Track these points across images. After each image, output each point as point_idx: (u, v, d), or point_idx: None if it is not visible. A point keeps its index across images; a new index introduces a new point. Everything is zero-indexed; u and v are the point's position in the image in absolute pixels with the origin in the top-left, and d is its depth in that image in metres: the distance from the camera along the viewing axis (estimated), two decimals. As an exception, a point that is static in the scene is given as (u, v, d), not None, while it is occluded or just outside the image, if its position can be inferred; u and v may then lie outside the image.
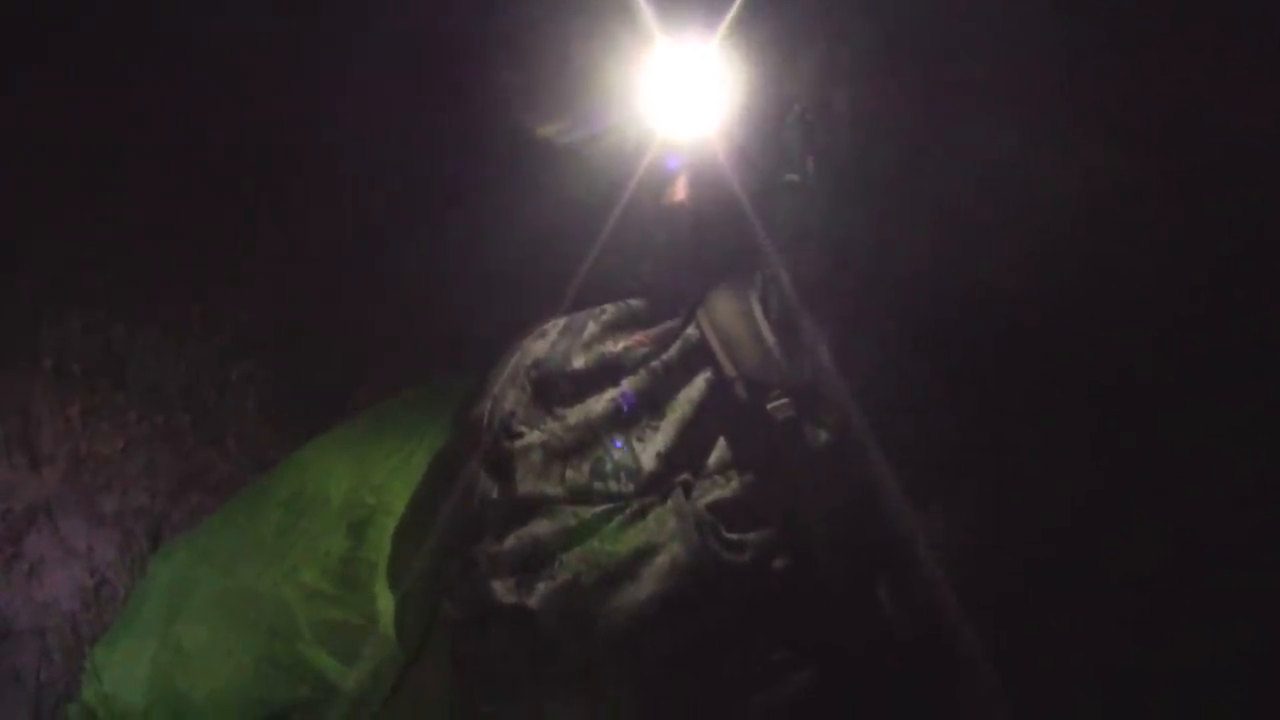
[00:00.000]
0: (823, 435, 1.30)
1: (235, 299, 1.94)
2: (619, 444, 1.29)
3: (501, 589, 1.24)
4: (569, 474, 1.28)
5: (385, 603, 1.45)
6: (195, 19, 1.91)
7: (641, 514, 1.25)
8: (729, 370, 1.30)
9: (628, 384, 1.32)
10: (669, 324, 1.37)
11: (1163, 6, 1.39)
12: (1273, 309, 1.35)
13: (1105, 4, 1.40)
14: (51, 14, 1.96)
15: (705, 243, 1.41)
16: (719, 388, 1.30)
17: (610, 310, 1.39)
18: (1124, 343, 1.39)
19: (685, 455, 1.28)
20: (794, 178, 1.38)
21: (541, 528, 1.26)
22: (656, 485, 1.26)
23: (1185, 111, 1.37)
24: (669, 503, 1.25)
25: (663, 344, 1.35)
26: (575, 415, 1.31)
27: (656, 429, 1.29)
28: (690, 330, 1.34)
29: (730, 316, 1.33)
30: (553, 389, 1.34)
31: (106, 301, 1.91)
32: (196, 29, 1.92)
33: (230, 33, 1.91)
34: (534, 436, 1.31)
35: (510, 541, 1.27)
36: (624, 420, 1.30)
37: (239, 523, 1.61)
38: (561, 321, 1.41)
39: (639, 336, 1.36)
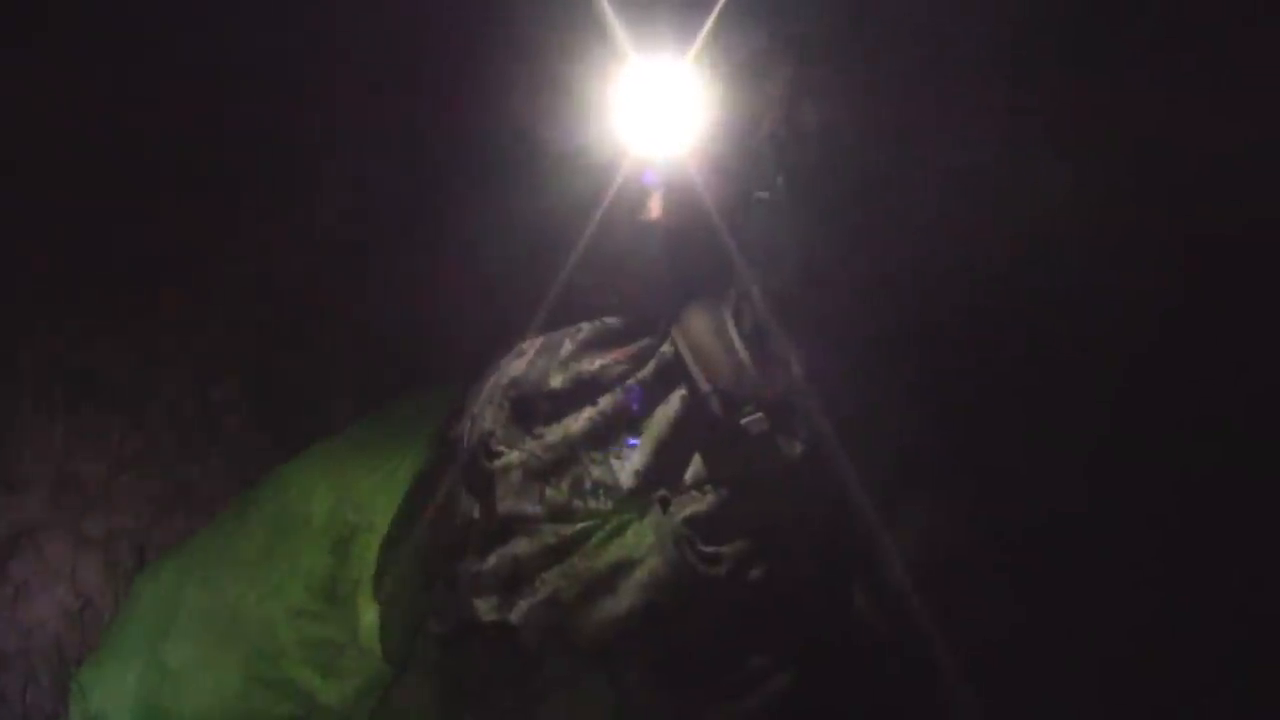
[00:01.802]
0: (796, 447, 1.32)
1: (214, 321, 1.94)
2: (598, 462, 1.31)
3: (484, 607, 1.26)
4: (549, 492, 1.30)
5: (369, 619, 1.45)
6: (191, 22, 1.90)
7: (620, 530, 1.27)
8: (703, 385, 1.32)
9: (605, 402, 1.34)
10: (645, 341, 1.39)
11: (1131, 22, 1.41)
12: (1250, 315, 1.37)
13: (1075, 21, 1.42)
14: (41, 16, 1.95)
15: (679, 259, 1.43)
16: (694, 404, 1.33)
17: (587, 328, 1.41)
18: (1096, 349, 1.41)
19: (662, 472, 1.31)
20: (764, 194, 1.40)
21: (522, 546, 1.28)
22: (635, 502, 1.29)
23: (1154, 125, 1.39)
24: (647, 518, 1.28)
25: (639, 362, 1.37)
26: (554, 434, 1.33)
27: (634, 446, 1.32)
28: (665, 348, 1.36)
29: (704, 333, 1.35)
30: (531, 408, 1.36)
31: (87, 323, 1.91)
32: (193, 33, 1.91)
33: (225, 38, 1.90)
34: (513, 456, 1.32)
35: (491, 560, 1.28)
36: (602, 438, 1.32)
37: (223, 542, 1.61)
38: (539, 340, 1.43)
39: (616, 354, 1.38)
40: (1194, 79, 1.38)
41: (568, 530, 1.28)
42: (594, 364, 1.37)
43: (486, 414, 1.37)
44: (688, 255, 1.41)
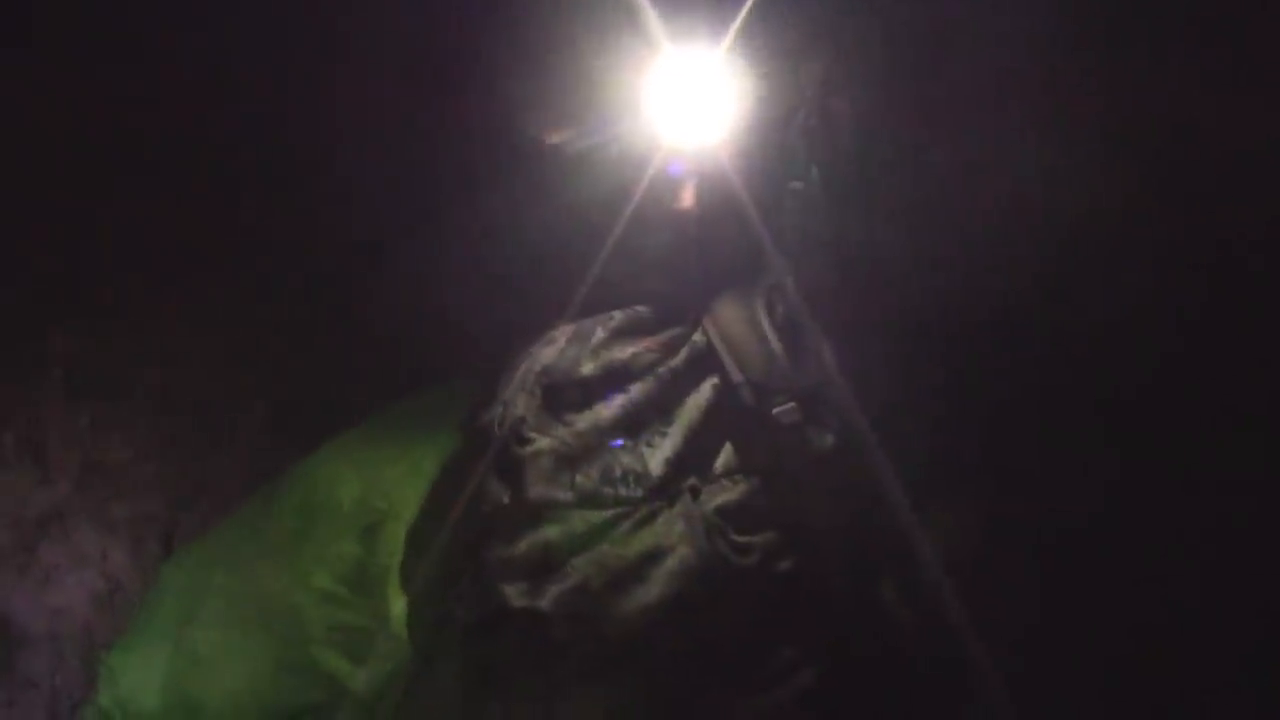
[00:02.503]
0: (828, 439, 1.32)
1: (239, 307, 1.95)
2: (628, 450, 1.31)
3: (513, 593, 1.26)
4: (579, 479, 1.30)
5: (398, 606, 1.46)
6: (191, 20, 1.90)
7: (650, 518, 1.27)
8: (735, 375, 1.32)
9: (636, 390, 1.34)
10: (676, 330, 1.38)
11: (1163, 11, 1.40)
12: (1273, 314, 1.36)
13: (1105, 9, 1.42)
14: (40, 16, 1.95)
15: (711, 249, 1.42)
16: (726, 393, 1.32)
17: (618, 317, 1.41)
18: (1128, 346, 1.41)
19: (693, 460, 1.30)
20: (798, 184, 1.40)
21: (552, 532, 1.28)
22: (665, 490, 1.29)
23: (1187, 115, 1.38)
24: (677, 506, 1.28)
25: (670, 350, 1.37)
26: (584, 421, 1.33)
27: (665, 435, 1.31)
28: (697, 336, 1.36)
29: (736, 323, 1.35)
30: (562, 395, 1.36)
31: (113, 311, 1.92)
32: (193, 31, 1.91)
33: (228, 36, 1.91)
34: (544, 442, 1.32)
35: (521, 546, 1.28)
36: (633, 426, 1.32)
37: (251, 528, 1.62)
38: (570, 328, 1.42)
39: (647, 343, 1.37)
40: (1220, 75, 1.38)
41: (598, 517, 1.28)
42: (625, 352, 1.37)
43: (518, 401, 1.37)
44: (720, 245, 1.41)
